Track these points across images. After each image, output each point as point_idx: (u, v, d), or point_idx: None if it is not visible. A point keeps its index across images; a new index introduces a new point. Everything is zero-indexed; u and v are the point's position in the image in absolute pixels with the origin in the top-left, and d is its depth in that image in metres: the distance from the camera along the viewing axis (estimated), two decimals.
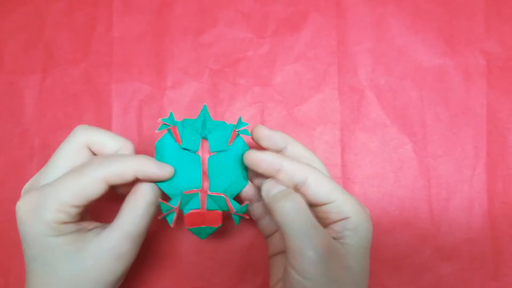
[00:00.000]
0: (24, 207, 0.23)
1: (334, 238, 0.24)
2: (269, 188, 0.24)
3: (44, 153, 0.34)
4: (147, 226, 0.24)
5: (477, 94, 0.33)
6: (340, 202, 0.24)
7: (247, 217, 0.26)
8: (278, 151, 0.26)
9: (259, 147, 0.27)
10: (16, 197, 0.33)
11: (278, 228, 0.28)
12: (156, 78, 0.34)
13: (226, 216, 0.28)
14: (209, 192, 0.26)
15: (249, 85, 0.34)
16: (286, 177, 0.24)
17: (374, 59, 0.34)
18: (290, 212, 0.22)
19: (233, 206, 0.26)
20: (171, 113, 0.27)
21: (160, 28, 0.35)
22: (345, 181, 0.32)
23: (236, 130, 0.27)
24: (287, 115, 0.33)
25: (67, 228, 0.23)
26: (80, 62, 0.35)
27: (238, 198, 0.27)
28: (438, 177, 0.32)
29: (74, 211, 0.23)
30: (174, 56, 0.34)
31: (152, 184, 0.25)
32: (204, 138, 0.27)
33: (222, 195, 0.26)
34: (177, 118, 0.34)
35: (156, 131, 0.27)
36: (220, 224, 0.26)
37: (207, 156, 0.27)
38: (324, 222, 0.25)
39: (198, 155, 0.26)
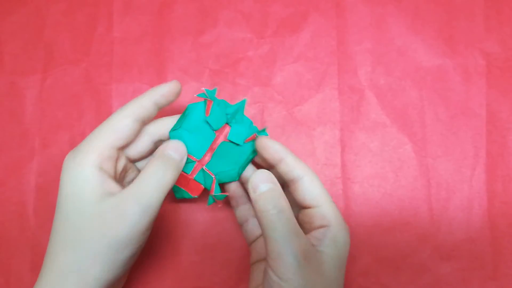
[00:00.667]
0: (67, 156, 0.25)
1: (313, 245, 0.24)
2: (257, 183, 0.25)
3: (44, 153, 0.34)
4: (162, 192, 0.24)
5: (477, 94, 0.33)
6: (326, 209, 0.25)
7: (219, 205, 0.29)
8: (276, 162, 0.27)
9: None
10: (16, 197, 0.34)
11: (261, 233, 0.29)
12: (156, 78, 0.34)
13: (206, 195, 0.29)
14: (204, 167, 0.28)
15: (249, 85, 0.34)
16: (286, 169, 0.26)
17: (374, 59, 0.34)
18: (275, 218, 0.23)
19: (215, 189, 0.28)
20: (215, 88, 0.28)
21: (160, 28, 0.35)
22: (345, 181, 0.32)
23: (257, 134, 0.29)
24: (287, 115, 0.33)
25: (96, 177, 0.24)
26: (81, 62, 0.35)
27: (223, 188, 0.30)
28: (438, 177, 0.32)
29: (108, 153, 0.25)
30: (174, 56, 0.34)
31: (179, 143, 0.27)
32: (228, 124, 0.29)
33: (212, 176, 0.28)
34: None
35: (195, 96, 0.29)
36: (196, 196, 0.29)
37: (221, 140, 0.28)
38: (306, 227, 0.26)
39: (214, 134, 0.28)
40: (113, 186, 0.25)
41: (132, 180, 0.27)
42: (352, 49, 0.34)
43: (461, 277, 0.31)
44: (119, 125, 0.25)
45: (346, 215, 0.32)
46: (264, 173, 0.25)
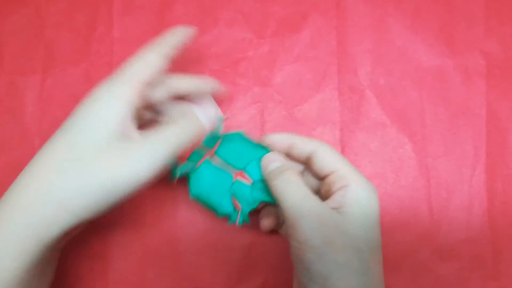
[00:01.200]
0: (101, 87, 0.25)
1: (335, 208, 0.24)
2: (266, 164, 0.27)
3: None
4: (171, 155, 0.24)
5: (477, 94, 0.33)
6: (342, 171, 0.25)
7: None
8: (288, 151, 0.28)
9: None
10: None
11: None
12: None
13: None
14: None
15: (249, 85, 0.34)
16: (298, 150, 0.27)
17: (374, 59, 0.34)
18: (284, 186, 0.25)
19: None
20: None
21: (160, 28, 0.35)
22: None
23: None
24: (287, 115, 0.33)
25: (124, 122, 0.24)
26: (81, 62, 0.35)
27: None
28: (438, 177, 0.32)
29: (141, 90, 0.24)
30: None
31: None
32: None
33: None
34: None
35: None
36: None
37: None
38: (328, 195, 0.26)
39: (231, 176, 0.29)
40: (133, 128, 0.25)
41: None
42: (352, 49, 0.34)
43: (461, 277, 0.31)
44: (151, 61, 0.25)
45: None
46: (272, 154, 0.27)
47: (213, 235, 0.32)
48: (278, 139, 0.28)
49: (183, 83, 0.28)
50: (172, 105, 0.29)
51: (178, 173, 0.28)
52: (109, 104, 0.24)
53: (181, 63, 0.34)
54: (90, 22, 0.35)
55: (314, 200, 0.24)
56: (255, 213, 0.29)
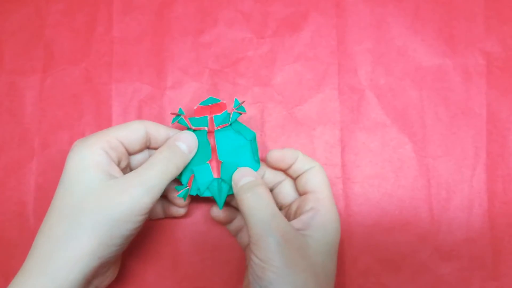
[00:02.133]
0: (76, 142, 0.26)
1: (300, 229, 0.25)
2: (237, 179, 0.27)
3: (44, 153, 0.34)
4: (162, 183, 0.26)
5: (477, 94, 0.33)
6: (320, 195, 0.27)
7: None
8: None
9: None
10: (16, 197, 0.34)
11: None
12: (156, 78, 0.34)
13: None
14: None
15: (249, 85, 0.34)
16: (297, 167, 0.28)
17: (374, 59, 0.34)
18: (253, 203, 0.25)
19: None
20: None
21: (160, 28, 0.35)
22: (345, 181, 0.32)
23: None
24: (287, 115, 0.33)
25: (99, 158, 0.25)
26: (80, 62, 0.35)
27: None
28: (438, 177, 0.32)
29: (115, 143, 0.26)
30: (174, 56, 0.34)
31: (190, 134, 0.28)
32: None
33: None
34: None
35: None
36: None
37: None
38: (298, 212, 0.27)
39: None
40: (117, 171, 0.26)
41: (125, 168, 0.28)
42: (352, 49, 0.34)
43: (461, 277, 0.31)
44: (133, 126, 0.27)
45: (346, 215, 0.32)
46: (245, 169, 0.28)
47: (213, 235, 0.32)
48: (287, 158, 0.28)
49: (160, 129, 0.29)
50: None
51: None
52: (89, 155, 0.25)
53: (181, 63, 0.34)
54: (90, 22, 0.35)
55: (282, 219, 0.25)
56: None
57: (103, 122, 0.34)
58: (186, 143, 0.28)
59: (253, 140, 0.29)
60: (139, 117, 0.34)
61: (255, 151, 0.29)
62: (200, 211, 0.33)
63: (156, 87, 0.34)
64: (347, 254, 0.32)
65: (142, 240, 0.32)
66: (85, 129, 0.34)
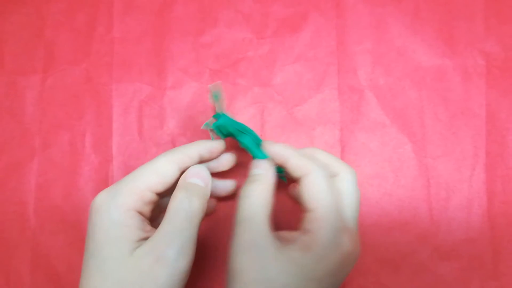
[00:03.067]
0: (100, 196, 0.23)
1: (297, 249, 0.23)
2: (253, 167, 0.26)
3: (44, 153, 0.34)
4: (192, 220, 0.23)
5: (476, 94, 0.33)
6: (317, 214, 0.23)
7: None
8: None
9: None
10: (17, 197, 0.34)
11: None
12: (156, 78, 0.34)
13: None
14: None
15: (249, 85, 0.34)
16: (290, 169, 0.25)
17: (374, 60, 0.34)
18: (250, 197, 0.23)
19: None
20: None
21: (160, 28, 0.35)
22: None
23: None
24: (287, 115, 0.33)
25: (133, 221, 0.22)
26: (81, 62, 0.35)
27: None
28: (438, 177, 0.32)
29: (148, 197, 0.23)
30: (174, 56, 0.34)
31: (201, 168, 0.25)
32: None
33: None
34: (177, 118, 0.34)
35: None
36: None
37: None
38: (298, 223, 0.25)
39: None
40: (149, 229, 0.23)
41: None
42: (352, 49, 0.34)
43: (460, 277, 0.31)
44: (163, 169, 0.24)
45: None
46: (196, 168, 0.25)
47: (213, 235, 0.32)
48: (275, 152, 0.26)
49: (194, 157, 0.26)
50: None
51: (208, 126, 0.27)
52: (119, 220, 0.22)
53: (181, 63, 0.34)
54: (90, 22, 0.35)
55: (267, 231, 0.22)
56: None
57: (103, 122, 0.34)
58: (199, 177, 0.25)
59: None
60: (140, 117, 0.34)
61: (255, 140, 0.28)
62: None
63: (156, 87, 0.34)
64: None
65: None
66: (85, 129, 0.34)
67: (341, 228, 0.23)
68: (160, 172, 0.24)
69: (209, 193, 0.25)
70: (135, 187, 0.23)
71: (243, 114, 0.33)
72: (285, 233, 0.25)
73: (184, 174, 0.25)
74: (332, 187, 0.24)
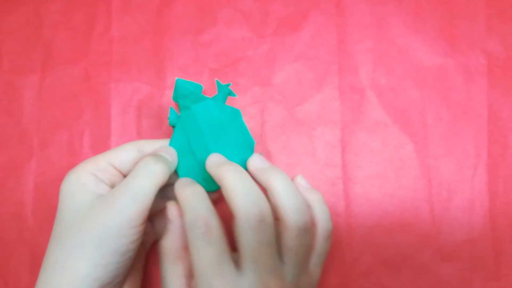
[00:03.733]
0: (70, 171, 0.26)
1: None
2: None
3: (43, 152, 0.34)
4: (153, 185, 0.24)
5: (478, 94, 0.33)
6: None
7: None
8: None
9: None
10: (15, 197, 0.33)
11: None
12: (155, 78, 0.34)
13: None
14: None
15: (249, 84, 0.34)
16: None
17: (375, 59, 0.33)
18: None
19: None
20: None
21: (159, 27, 0.35)
22: (345, 181, 0.32)
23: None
24: (287, 115, 0.33)
25: (88, 180, 0.25)
26: (79, 61, 0.35)
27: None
28: (439, 177, 0.32)
29: (103, 165, 0.26)
30: (173, 55, 0.34)
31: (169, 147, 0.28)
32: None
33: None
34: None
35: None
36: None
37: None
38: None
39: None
40: (105, 189, 0.25)
41: None
42: (353, 48, 0.34)
43: (462, 278, 0.31)
44: (123, 148, 0.27)
45: (347, 215, 0.32)
46: (166, 146, 0.28)
47: None
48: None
49: (152, 145, 0.28)
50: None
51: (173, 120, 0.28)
52: (77, 179, 0.25)
53: (180, 62, 0.34)
54: (88, 21, 0.35)
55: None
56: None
57: (102, 122, 0.34)
58: (167, 153, 0.27)
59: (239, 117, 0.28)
60: (138, 116, 0.34)
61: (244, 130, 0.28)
62: None
63: (155, 86, 0.34)
64: (348, 255, 0.32)
65: (142, 240, 0.32)
66: (84, 128, 0.34)
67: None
68: (120, 149, 0.26)
69: (173, 170, 0.27)
70: (93, 159, 0.26)
71: (243, 114, 0.33)
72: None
73: (156, 148, 0.27)
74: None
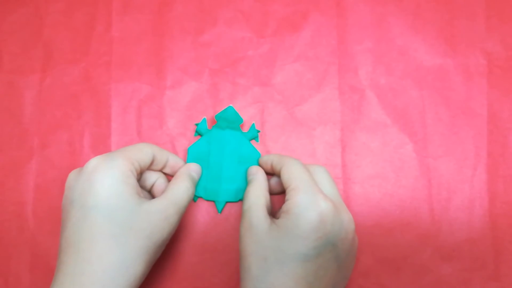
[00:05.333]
0: (96, 159, 0.26)
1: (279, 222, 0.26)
2: (248, 173, 0.32)
3: (43, 153, 0.34)
4: (189, 199, 0.28)
5: (478, 94, 0.33)
6: (293, 186, 0.27)
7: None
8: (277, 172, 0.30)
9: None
10: (15, 197, 0.33)
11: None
12: (155, 78, 0.34)
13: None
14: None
15: (249, 85, 0.34)
16: (274, 168, 0.30)
17: (375, 59, 0.33)
18: (248, 192, 0.29)
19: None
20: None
21: (159, 27, 0.35)
22: (345, 181, 0.32)
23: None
24: (287, 115, 0.33)
25: (131, 180, 0.26)
26: (80, 62, 0.35)
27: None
28: (439, 177, 0.32)
29: (136, 166, 0.27)
30: (173, 55, 0.34)
31: (197, 165, 0.32)
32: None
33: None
34: (176, 118, 0.34)
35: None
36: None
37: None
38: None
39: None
40: (140, 190, 0.28)
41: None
42: (352, 48, 0.34)
43: (462, 277, 0.31)
44: (145, 149, 0.28)
45: None
46: (196, 165, 0.32)
47: (213, 236, 0.32)
48: (269, 158, 0.31)
49: (163, 158, 0.30)
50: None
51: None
52: (119, 175, 0.25)
53: (180, 62, 0.34)
54: (89, 22, 0.35)
55: (263, 213, 0.27)
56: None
57: (102, 122, 0.34)
58: (195, 172, 0.31)
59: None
60: (139, 116, 0.34)
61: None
62: (200, 211, 0.33)
63: (155, 86, 0.34)
64: None
65: None
66: (84, 129, 0.34)
67: (315, 190, 0.26)
68: (143, 150, 0.28)
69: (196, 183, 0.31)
70: (127, 156, 0.27)
71: (243, 114, 0.33)
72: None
73: (185, 165, 0.31)
74: (305, 168, 0.28)
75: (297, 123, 0.33)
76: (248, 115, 0.33)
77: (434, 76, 0.33)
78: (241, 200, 0.32)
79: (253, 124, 0.33)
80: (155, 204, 0.26)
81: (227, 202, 0.32)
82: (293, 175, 0.27)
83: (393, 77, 0.33)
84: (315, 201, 0.25)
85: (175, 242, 0.32)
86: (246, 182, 0.31)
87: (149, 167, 0.30)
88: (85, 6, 0.35)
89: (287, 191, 0.27)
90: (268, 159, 0.31)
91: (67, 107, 0.34)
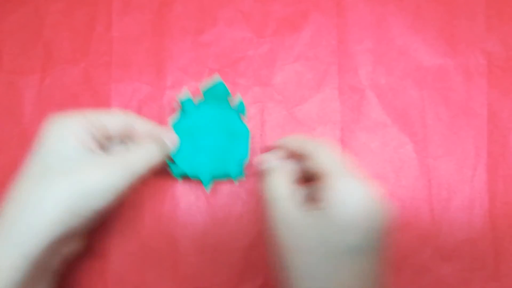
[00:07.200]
0: (54, 115, 0.25)
1: (316, 209, 0.24)
2: (261, 162, 0.29)
3: None
4: (149, 165, 0.26)
5: (478, 94, 0.33)
6: (329, 174, 0.25)
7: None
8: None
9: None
10: None
11: None
12: (155, 78, 0.34)
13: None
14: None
15: (249, 85, 0.34)
16: (300, 150, 0.27)
17: (375, 59, 0.33)
18: (271, 183, 0.26)
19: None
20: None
21: (159, 27, 0.35)
22: None
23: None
24: (287, 115, 0.33)
25: (83, 136, 0.25)
26: (80, 62, 0.35)
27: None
28: (439, 177, 0.32)
29: (98, 124, 0.26)
30: (173, 55, 0.34)
31: (174, 133, 0.30)
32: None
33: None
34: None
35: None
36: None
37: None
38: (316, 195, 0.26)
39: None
40: (98, 149, 0.26)
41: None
42: (352, 48, 0.34)
43: (462, 277, 0.31)
44: (112, 111, 0.27)
45: None
46: (173, 134, 0.29)
47: (213, 236, 0.32)
48: (288, 142, 0.29)
49: (146, 129, 0.28)
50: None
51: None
52: (67, 123, 0.25)
53: (180, 62, 0.34)
54: (89, 22, 0.35)
55: (293, 203, 0.25)
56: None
57: None
58: (171, 142, 0.29)
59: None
60: None
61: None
62: (199, 211, 0.33)
63: (155, 87, 0.34)
64: None
65: (141, 240, 0.32)
66: None
67: (356, 175, 0.24)
68: (111, 112, 0.27)
69: (168, 155, 0.29)
70: (86, 112, 0.26)
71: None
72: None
73: (162, 131, 0.29)
74: (335, 149, 0.27)
75: (297, 123, 0.33)
76: (248, 115, 0.33)
77: (434, 76, 0.33)
78: (230, 178, 0.31)
79: (240, 98, 0.32)
80: (94, 155, 0.24)
81: (214, 180, 0.31)
82: (324, 159, 0.25)
83: (393, 77, 0.33)
84: (360, 186, 0.23)
85: (175, 242, 0.32)
86: (236, 160, 0.31)
87: (129, 136, 0.28)
88: (85, 6, 0.35)
89: (319, 176, 0.25)
90: (286, 143, 0.29)
91: (67, 107, 0.34)
